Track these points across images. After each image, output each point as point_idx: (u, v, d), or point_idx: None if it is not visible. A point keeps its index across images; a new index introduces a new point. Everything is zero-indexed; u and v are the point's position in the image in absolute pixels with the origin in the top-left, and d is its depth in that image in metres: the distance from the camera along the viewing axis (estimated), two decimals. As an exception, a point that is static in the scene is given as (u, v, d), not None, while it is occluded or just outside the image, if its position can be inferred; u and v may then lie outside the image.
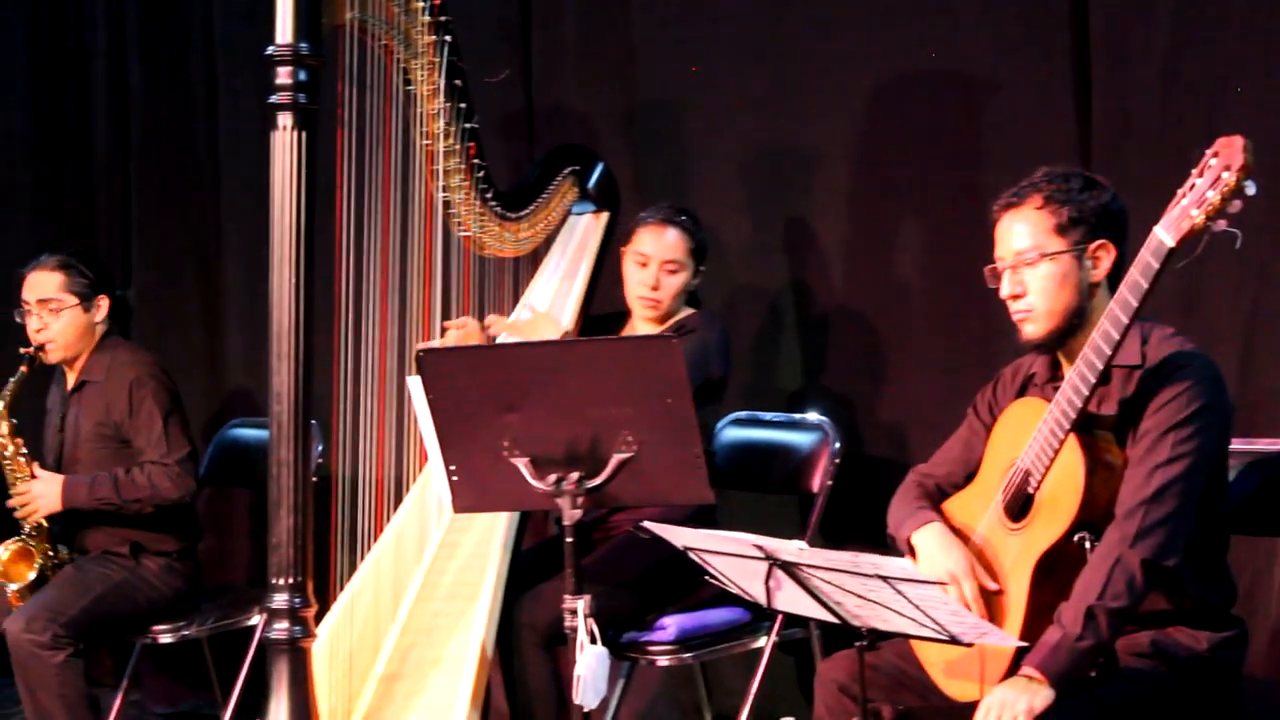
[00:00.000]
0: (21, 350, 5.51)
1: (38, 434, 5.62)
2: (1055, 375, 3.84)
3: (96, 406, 5.52)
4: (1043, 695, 3.43)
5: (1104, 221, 3.71)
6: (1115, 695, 3.56)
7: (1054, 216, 3.70)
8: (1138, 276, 3.41)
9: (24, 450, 5.43)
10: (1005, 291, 3.76)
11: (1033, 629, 3.58)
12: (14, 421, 5.44)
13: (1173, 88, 4.91)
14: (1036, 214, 3.71)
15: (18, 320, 5.56)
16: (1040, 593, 3.60)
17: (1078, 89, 5.07)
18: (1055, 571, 3.59)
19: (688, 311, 5.11)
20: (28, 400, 5.50)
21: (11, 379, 5.46)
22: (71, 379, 5.62)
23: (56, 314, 5.51)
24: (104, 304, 5.58)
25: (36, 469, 5.44)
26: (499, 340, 5.01)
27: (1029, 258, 3.70)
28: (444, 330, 4.92)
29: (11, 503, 5.42)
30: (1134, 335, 3.61)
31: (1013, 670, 3.54)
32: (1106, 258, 3.71)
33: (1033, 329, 3.74)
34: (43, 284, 5.53)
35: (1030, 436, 3.64)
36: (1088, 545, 3.53)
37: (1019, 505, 3.68)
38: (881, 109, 5.44)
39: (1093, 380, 3.49)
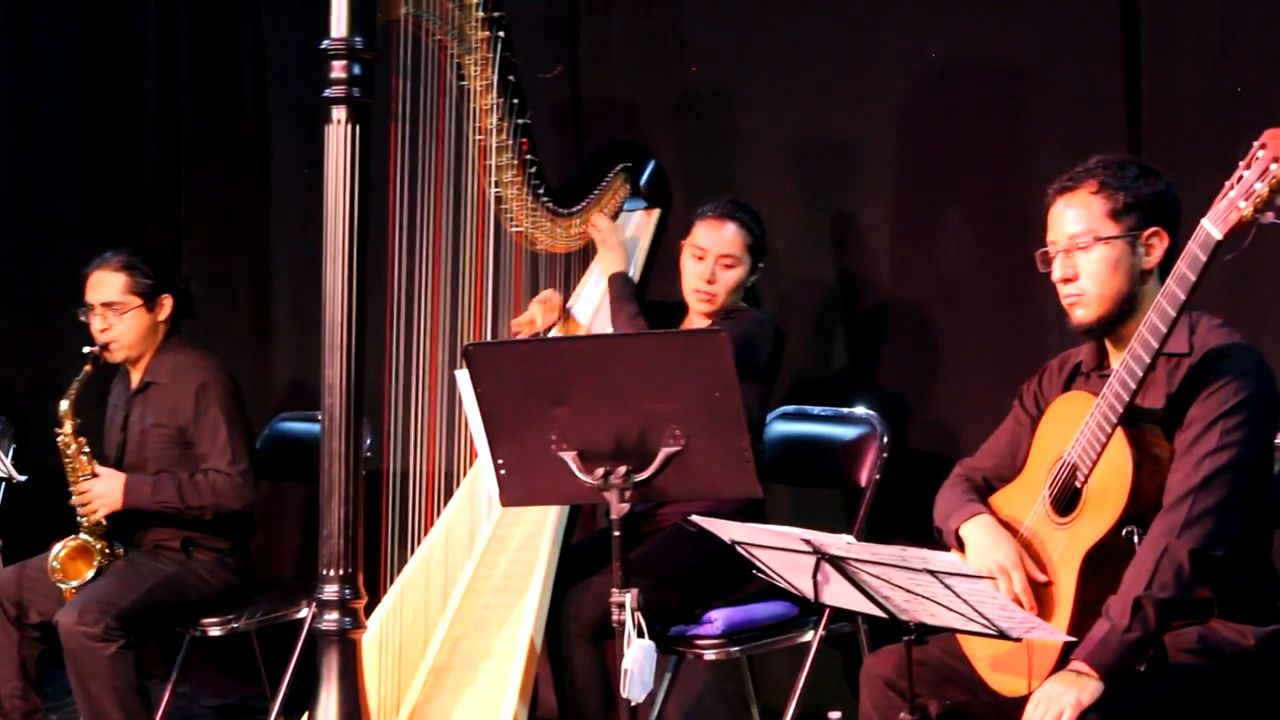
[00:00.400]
0: (85, 349, 5.51)
1: (99, 432, 5.64)
2: (1102, 363, 3.84)
3: (161, 408, 5.54)
4: (1091, 689, 3.43)
5: (1158, 209, 3.71)
6: (1163, 691, 3.55)
7: (1109, 202, 3.69)
8: (1185, 269, 3.41)
9: (86, 449, 5.44)
10: (1057, 275, 3.75)
11: (1080, 623, 3.57)
12: (78, 420, 5.44)
13: (1222, 80, 4.90)
14: (1091, 198, 3.71)
15: (81, 319, 5.56)
16: (1088, 587, 3.59)
17: (1126, 80, 5.06)
18: (1103, 566, 3.58)
19: (741, 308, 5.12)
20: (89, 397, 5.52)
21: (76, 379, 5.45)
22: (135, 378, 5.63)
23: (120, 315, 5.51)
24: (167, 303, 5.58)
25: (98, 467, 5.44)
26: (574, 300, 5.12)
27: (1082, 241, 3.70)
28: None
29: (74, 501, 5.44)
30: (1182, 324, 3.58)
31: (1060, 664, 3.54)
32: (1159, 246, 3.70)
33: (1083, 313, 3.74)
34: (106, 286, 5.51)
35: (1077, 430, 3.64)
36: (1136, 539, 3.53)
37: (1066, 500, 3.68)
38: (930, 100, 5.44)
39: (1140, 374, 3.49)
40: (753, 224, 5.05)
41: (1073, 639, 3.52)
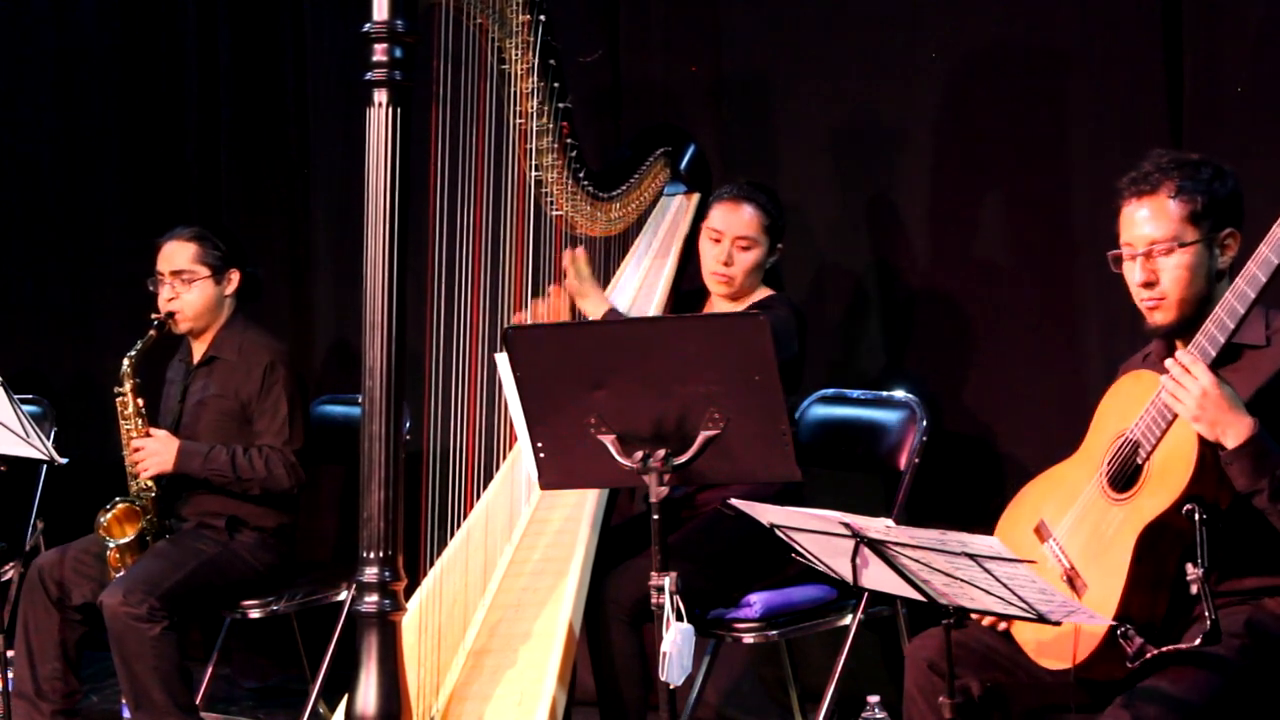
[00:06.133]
0: (151, 315, 5.57)
1: (154, 404, 5.65)
2: (1172, 353, 3.83)
3: (226, 383, 5.59)
4: (1239, 431, 3.48)
5: (1232, 209, 3.73)
6: (1210, 671, 3.55)
7: (1188, 205, 3.69)
8: (1269, 253, 3.40)
9: (144, 410, 5.48)
10: (1137, 279, 3.74)
11: (1130, 600, 3.58)
12: (138, 380, 5.48)
13: (1265, 63, 4.88)
14: (1171, 203, 3.70)
15: (150, 289, 5.63)
16: (1142, 564, 3.59)
17: (1168, 63, 5.04)
18: (1159, 543, 3.59)
19: (764, 292, 5.11)
20: (146, 370, 5.54)
21: (140, 340, 5.50)
22: (199, 352, 5.69)
23: (189, 285, 5.58)
24: (235, 278, 5.66)
25: (154, 430, 5.49)
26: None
27: (1163, 247, 3.70)
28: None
29: (127, 459, 5.47)
30: (1258, 316, 3.61)
31: (1104, 646, 3.54)
32: (1234, 245, 3.72)
33: (1162, 316, 3.74)
34: (177, 255, 5.61)
35: (1140, 409, 3.64)
36: (1197, 518, 3.52)
37: (1125, 477, 3.68)
38: (969, 84, 5.42)
39: (1213, 354, 3.50)
40: (770, 205, 5.05)
41: (1114, 623, 3.52)
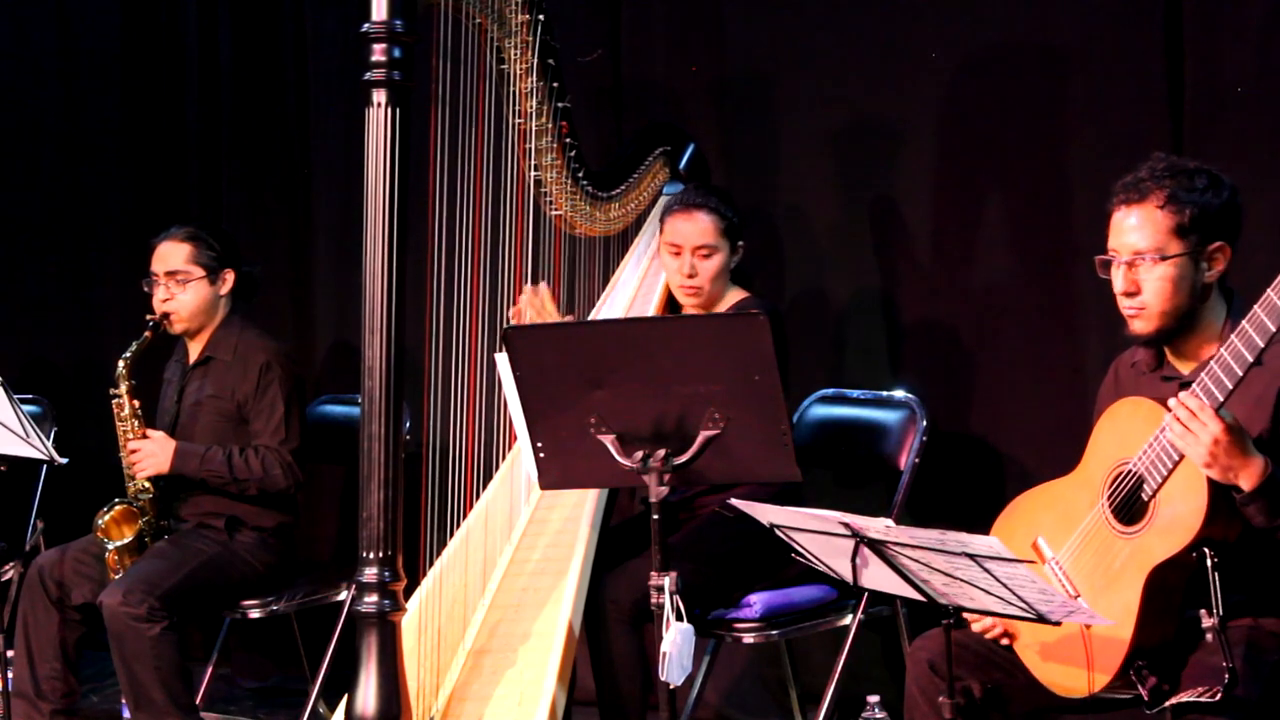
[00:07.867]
0: (147, 317, 5.57)
1: (151, 405, 5.65)
2: (1160, 364, 3.81)
3: (222, 383, 5.58)
4: (1252, 473, 3.43)
5: (1223, 222, 3.69)
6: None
7: (1175, 216, 3.65)
8: (1264, 317, 3.35)
9: (139, 412, 5.47)
10: (1119, 287, 3.72)
11: (1142, 637, 3.55)
12: (133, 382, 5.47)
13: (1265, 64, 4.88)
14: (1159, 213, 3.67)
15: (145, 290, 5.63)
16: (1152, 601, 3.55)
17: (1169, 64, 5.03)
18: (1167, 579, 3.55)
19: (737, 294, 5.07)
20: (144, 370, 5.54)
21: (135, 341, 5.49)
22: (195, 352, 5.68)
23: (183, 286, 5.58)
24: (229, 278, 5.65)
25: (150, 430, 5.49)
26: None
27: (1146, 258, 3.68)
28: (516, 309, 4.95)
29: (124, 461, 5.47)
30: None
31: (1127, 663, 3.53)
32: (1223, 259, 3.68)
33: (1142, 325, 3.72)
34: (171, 256, 5.60)
35: (1141, 438, 3.59)
36: (1209, 563, 3.47)
37: (1129, 509, 3.63)
38: (969, 84, 5.42)
39: (1220, 399, 3.43)
40: (723, 207, 4.98)
41: (1111, 622, 3.51)
